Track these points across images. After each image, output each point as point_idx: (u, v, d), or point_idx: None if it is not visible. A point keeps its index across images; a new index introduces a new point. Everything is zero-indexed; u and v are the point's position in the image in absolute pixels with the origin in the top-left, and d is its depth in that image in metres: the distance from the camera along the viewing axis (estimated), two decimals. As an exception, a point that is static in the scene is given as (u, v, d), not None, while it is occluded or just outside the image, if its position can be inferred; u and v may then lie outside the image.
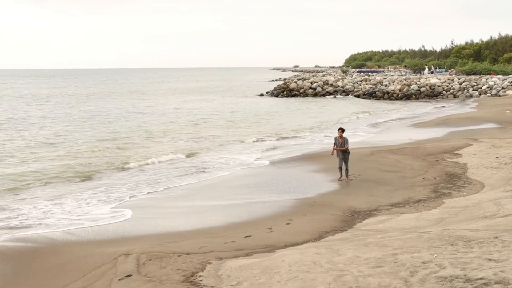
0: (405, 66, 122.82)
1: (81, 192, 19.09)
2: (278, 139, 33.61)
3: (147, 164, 24.77)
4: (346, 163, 19.46)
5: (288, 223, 13.94)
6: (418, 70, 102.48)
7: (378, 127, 39.75)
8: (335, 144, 19.69)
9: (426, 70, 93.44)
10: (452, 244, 9.28)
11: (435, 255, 8.66)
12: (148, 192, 19.05)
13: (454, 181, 18.03)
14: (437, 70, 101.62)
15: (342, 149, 19.37)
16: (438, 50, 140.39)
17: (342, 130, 19.85)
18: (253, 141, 32.43)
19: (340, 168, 19.55)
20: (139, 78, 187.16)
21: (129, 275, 9.70)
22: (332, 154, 19.91)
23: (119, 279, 9.58)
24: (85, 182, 20.98)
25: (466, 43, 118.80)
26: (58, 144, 30.97)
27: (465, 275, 7.61)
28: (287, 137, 34.53)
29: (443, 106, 55.39)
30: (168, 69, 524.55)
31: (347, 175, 19.43)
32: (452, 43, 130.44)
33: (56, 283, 10.30)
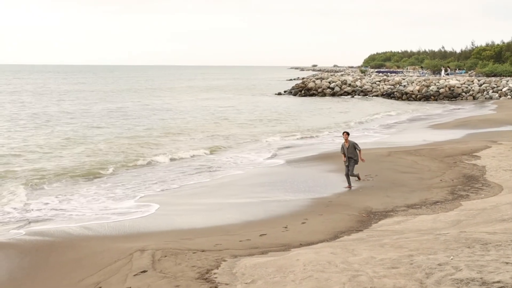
0: (421, 67, 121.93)
1: (96, 188, 19.24)
2: (295, 139, 33.55)
3: (163, 161, 24.85)
4: (352, 168, 18.44)
5: (303, 223, 13.92)
6: (437, 71, 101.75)
7: (393, 127, 39.53)
8: (343, 151, 18.62)
9: (443, 71, 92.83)
10: (469, 247, 9.20)
11: (451, 257, 8.59)
12: (162, 190, 19.13)
13: (472, 183, 17.88)
14: (457, 71, 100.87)
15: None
16: (458, 51, 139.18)
17: (347, 133, 18.85)
18: (270, 140, 32.40)
19: (347, 176, 18.49)
20: (159, 76, 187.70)
21: (144, 271, 9.75)
22: (344, 161, 18.56)
23: (134, 275, 9.63)
24: (101, 178, 21.10)
25: (487, 44, 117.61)
26: (78, 140, 31.19)
27: (481, 278, 7.54)
28: (305, 137, 34.46)
29: (459, 108, 54.87)
30: (187, 67, 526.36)
31: (349, 183, 18.37)
32: (472, 44, 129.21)
33: (73, 277, 10.39)
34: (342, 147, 18.68)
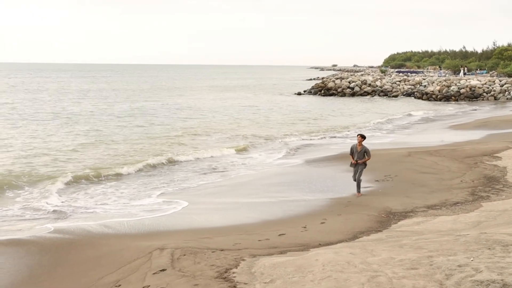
0: (440, 66, 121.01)
1: (116, 188, 19.40)
2: (315, 138, 33.47)
3: (184, 160, 24.94)
4: (360, 174, 17.35)
5: (322, 223, 13.89)
6: (457, 71, 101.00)
7: (413, 128, 39.31)
8: (352, 153, 17.54)
9: (462, 71, 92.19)
10: (489, 248, 9.12)
11: (472, 259, 8.52)
12: (181, 189, 19.23)
13: (492, 184, 17.70)
14: (478, 71, 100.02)
15: (361, 162, 17.34)
16: (479, 51, 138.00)
17: (362, 136, 17.58)
18: (287, 140, 32.35)
19: (355, 180, 17.49)
20: (179, 75, 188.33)
21: (163, 269, 9.79)
22: (351, 165, 17.61)
23: (154, 273, 9.68)
24: (121, 177, 21.25)
25: (509, 45, 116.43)
26: (103, 139, 31.41)
27: (502, 280, 7.47)
28: (325, 137, 34.37)
29: (475, 109, 54.29)
30: (206, 66, 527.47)
31: (358, 189, 17.33)
32: (494, 44, 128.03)
33: (92, 275, 10.47)
34: (352, 148, 17.58)
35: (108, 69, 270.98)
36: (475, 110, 53.71)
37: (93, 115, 45.52)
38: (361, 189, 17.89)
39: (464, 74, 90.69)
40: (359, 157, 17.30)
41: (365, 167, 17.48)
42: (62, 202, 17.17)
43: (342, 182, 19.32)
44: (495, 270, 7.89)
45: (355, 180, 17.39)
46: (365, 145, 17.64)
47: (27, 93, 74.82)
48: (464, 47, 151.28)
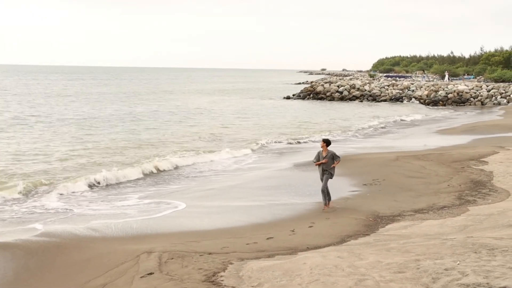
0: (423, 70, 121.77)
1: (107, 191, 19.33)
2: (294, 143, 33.40)
3: (169, 167, 24.79)
4: (325, 182, 15.98)
5: (310, 226, 13.92)
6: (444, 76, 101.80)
7: (399, 133, 39.46)
8: (318, 160, 16.17)
9: (447, 76, 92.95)
10: (476, 252, 9.18)
11: (458, 262, 8.58)
12: (170, 192, 19.18)
13: (479, 188, 17.81)
14: (465, 76, 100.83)
15: (323, 162, 15.92)
16: (467, 56, 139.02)
17: (324, 141, 16.30)
18: (270, 143, 32.31)
19: (324, 192, 16.07)
20: (170, 78, 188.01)
21: (151, 273, 9.77)
22: (316, 164, 16.25)
23: (141, 277, 9.66)
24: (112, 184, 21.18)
25: (496, 50, 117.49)
26: (105, 142, 31.30)
27: (487, 283, 7.52)
28: (300, 141, 34.29)
29: (459, 115, 54.63)
30: (199, 69, 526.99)
31: (328, 201, 16.10)
32: (481, 50, 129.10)
33: (79, 279, 10.42)
34: (318, 155, 16.20)
35: (105, 72, 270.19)
36: (459, 115, 54.04)
37: (96, 118, 45.33)
38: (349, 193, 17.89)
39: (448, 79, 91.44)
40: (328, 165, 15.98)
41: (331, 177, 16.11)
42: (50, 205, 17.07)
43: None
44: (481, 273, 7.94)
45: (323, 192, 16.03)
46: (330, 149, 16.26)
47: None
48: (452, 52, 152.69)
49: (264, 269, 9.30)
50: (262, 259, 10.37)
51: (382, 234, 12.70)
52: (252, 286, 8.56)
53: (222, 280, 9.01)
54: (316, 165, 16.18)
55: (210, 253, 10.86)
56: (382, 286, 7.90)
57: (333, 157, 16.04)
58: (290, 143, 32.96)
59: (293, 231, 13.42)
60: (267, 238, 12.61)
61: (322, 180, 16.11)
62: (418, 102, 68.94)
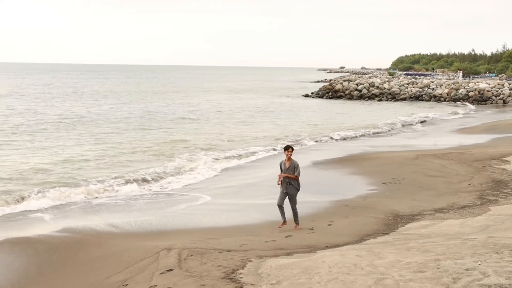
0: (433, 68, 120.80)
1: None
2: (316, 141, 33.33)
3: (191, 165, 24.94)
4: (292, 201, 13.69)
5: (329, 225, 13.90)
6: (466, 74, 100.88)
7: (418, 131, 39.21)
8: (281, 170, 13.85)
9: (460, 74, 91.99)
10: (497, 252, 9.10)
11: (479, 263, 8.51)
12: (190, 189, 19.28)
13: (501, 188, 17.65)
14: (487, 74, 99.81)
15: (289, 176, 13.55)
16: (488, 54, 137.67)
17: (290, 149, 13.90)
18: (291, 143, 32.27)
19: (281, 207, 13.76)
20: (190, 76, 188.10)
21: (170, 270, 9.82)
22: (278, 183, 13.87)
23: (161, 273, 9.72)
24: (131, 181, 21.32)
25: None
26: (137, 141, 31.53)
27: (510, 285, 7.45)
28: (335, 139, 34.25)
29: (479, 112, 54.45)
30: (218, 67, 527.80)
31: (296, 220, 13.79)
32: (504, 47, 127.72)
33: (100, 274, 10.52)
34: (280, 166, 13.92)
35: (122, 70, 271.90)
36: (480, 113, 53.64)
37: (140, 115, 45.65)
38: (368, 191, 17.82)
39: (463, 77, 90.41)
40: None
41: (298, 191, 13.82)
42: (72, 203, 17.26)
43: (349, 184, 19.32)
44: (503, 274, 7.87)
45: (280, 207, 13.77)
46: (294, 159, 13.89)
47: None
48: (473, 50, 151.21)
49: (283, 267, 9.30)
50: (280, 257, 10.38)
51: (402, 233, 12.64)
52: (271, 284, 8.57)
53: (241, 278, 9.03)
54: (279, 180, 13.76)
55: (229, 251, 10.90)
56: (401, 286, 7.86)
57: (295, 168, 13.66)
58: (317, 141, 32.81)
59: (312, 229, 13.42)
60: (286, 236, 12.62)
61: (284, 193, 13.69)
62: (438, 101, 68.53)
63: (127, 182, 19.93)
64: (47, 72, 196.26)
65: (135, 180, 20.23)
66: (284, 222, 13.76)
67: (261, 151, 28.24)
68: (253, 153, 27.73)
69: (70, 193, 17.95)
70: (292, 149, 13.92)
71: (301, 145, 30.99)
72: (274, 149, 29.04)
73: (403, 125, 42.52)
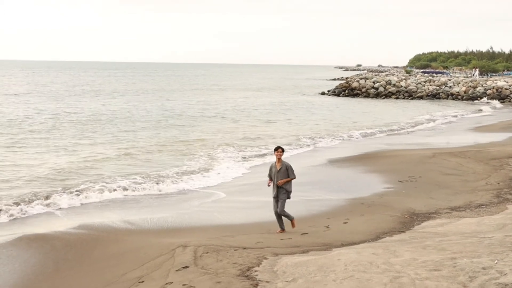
0: (446, 66, 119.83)
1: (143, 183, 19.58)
2: (333, 139, 33.25)
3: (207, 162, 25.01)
4: (282, 205, 13.02)
5: (345, 222, 13.87)
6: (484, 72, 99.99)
7: (435, 129, 38.98)
8: (270, 174, 13.28)
9: (477, 72, 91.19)
10: (514, 251, 9.04)
11: (496, 261, 8.45)
12: (204, 187, 19.33)
13: (518, 186, 17.50)
14: (505, 72, 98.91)
15: (283, 182, 12.94)
16: (507, 51, 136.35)
17: (279, 149, 13.21)
18: (311, 140, 32.23)
19: (277, 214, 13.27)
20: (207, 74, 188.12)
21: (186, 267, 9.86)
22: (268, 185, 13.46)
23: (176, 270, 9.76)
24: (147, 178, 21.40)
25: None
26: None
27: (526, 283, 7.40)
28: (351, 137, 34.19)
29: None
30: (235, 65, 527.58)
31: (281, 224, 13.26)
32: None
33: (116, 271, 10.59)
34: (271, 169, 13.29)
35: (149, 67, 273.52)
36: (499, 111, 53.25)
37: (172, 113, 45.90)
38: (384, 189, 17.75)
39: (480, 75, 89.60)
40: (281, 178, 13.02)
41: (288, 196, 13.17)
42: (88, 200, 17.39)
43: (365, 182, 19.26)
44: (520, 273, 7.82)
45: (277, 214, 13.25)
46: (284, 161, 13.33)
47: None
48: (491, 48, 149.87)
49: (299, 265, 9.31)
50: (296, 255, 10.38)
51: (418, 231, 12.59)
52: (287, 281, 8.58)
53: (257, 275, 9.05)
54: (268, 185, 13.41)
55: (244, 248, 10.92)
56: (417, 284, 7.84)
57: (287, 170, 13.01)
58: (333, 139, 32.73)
59: (327, 227, 13.40)
60: (302, 234, 12.62)
61: (275, 199, 13.15)
62: (455, 99, 68.06)
63: (144, 180, 20.00)
64: (62, 69, 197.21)
65: (152, 178, 20.29)
66: (283, 230, 13.20)
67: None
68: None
69: (89, 190, 18.05)
70: (282, 150, 13.24)
71: (317, 143, 30.92)
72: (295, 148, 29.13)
73: (419, 123, 42.30)
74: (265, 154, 26.45)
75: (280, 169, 12.99)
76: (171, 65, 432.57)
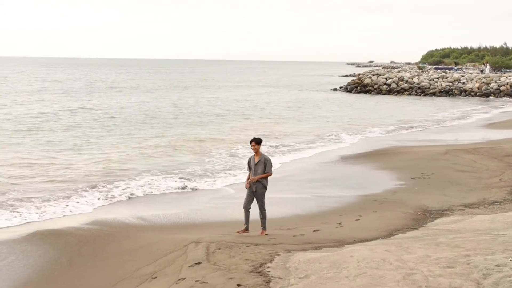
0: (456, 62, 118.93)
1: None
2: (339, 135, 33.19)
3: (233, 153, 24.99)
4: (259, 201, 12.39)
5: (357, 219, 13.85)
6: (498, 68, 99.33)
7: (447, 126, 38.73)
8: (249, 168, 12.50)
9: (488, 68, 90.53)
10: (528, 248, 8.98)
11: (510, 259, 8.41)
12: (217, 182, 19.39)
13: (532, 183, 17.38)
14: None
15: (262, 177, 12.25)
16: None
17: (256, 141, 12.32)
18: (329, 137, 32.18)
19: (247, 211, 12.46)
20: (222, 70, 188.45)
21: (198, 263, 9.88)
22: (247, 187, 12.47)
23: (189, 266, 9.78)
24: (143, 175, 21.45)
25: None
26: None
27: (541, 281, 7.36)
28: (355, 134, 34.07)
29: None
30: (249, 61, 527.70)
31: (263, 224, 12.45)
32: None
33: (129, 267, 10.64)
34: (249, 161, 12.56)
35: (163, 64, 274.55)
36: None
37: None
38: (397, 186, 17.69)
39: (493, 71, 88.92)
40: (260, 172, 12.27)
41: (265, 190, 12.43)
42: (102, 195, 17.46)
43: (377, 179, 19.21)
44: (534, 270, 7.77)
45: (246, 209, 12.45)
46: (264, 153, 12.69)
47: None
48: (505, 43, 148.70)
49: (311, 261, 9.30)
50: (309, 251, 10.37)
51: (431, 228, 12.54)
52: (299, 278, 8.58)
53: (269, 271, 9.05)
54: (248, 185, 12.43)
55: (257, 244, 10.92)
56: (430, 281, 7.81)
57: (266, 164, 12.26)
58: (346, 135, 32.65)
59: (340, 223, 13.38)
60: (314, 231, 12.61)
61: (252, 193, 12.40)
62: (468, 95, 67.62)
63: (157, 176, 20.05)
64: (74, 66, 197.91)
65: (167, 174, 20.34)
66: (246, 229, 12.35)
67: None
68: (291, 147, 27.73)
69: (103, 187, 18.13)
70: (257, 142, 12.24)
71: (329, 140, 30.86)
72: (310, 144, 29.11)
73: (432, 120, 42.08)
74: (276, 152, 26.47)
75: (258, 162, 12.24)
76: (189, 61, 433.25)
